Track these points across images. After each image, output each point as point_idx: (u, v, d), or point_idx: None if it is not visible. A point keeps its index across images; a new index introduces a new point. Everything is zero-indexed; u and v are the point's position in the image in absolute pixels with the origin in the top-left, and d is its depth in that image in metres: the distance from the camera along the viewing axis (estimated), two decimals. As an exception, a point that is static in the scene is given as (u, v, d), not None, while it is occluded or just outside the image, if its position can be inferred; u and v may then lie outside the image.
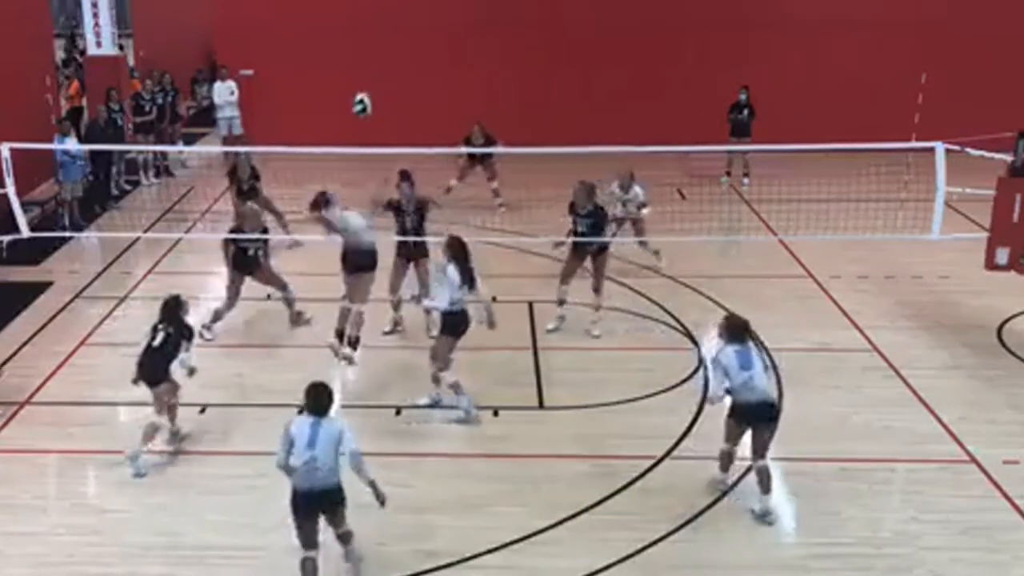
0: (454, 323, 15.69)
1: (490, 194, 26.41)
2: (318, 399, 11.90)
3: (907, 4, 31.05)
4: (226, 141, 31.00)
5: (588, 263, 19.07)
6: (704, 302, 20.24)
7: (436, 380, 15.99)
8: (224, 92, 31.12)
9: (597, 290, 18.97)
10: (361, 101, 20.13)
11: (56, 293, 20.99)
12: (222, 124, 31.41)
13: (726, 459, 14.06)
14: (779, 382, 17.02)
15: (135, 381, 14.66)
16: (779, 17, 31.24)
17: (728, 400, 13.81)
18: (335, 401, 12.49)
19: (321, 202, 17.44)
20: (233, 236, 18.69)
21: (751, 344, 13.85)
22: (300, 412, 12.21)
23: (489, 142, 25.79)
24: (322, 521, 12.02)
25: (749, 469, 14.10)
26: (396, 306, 18.93)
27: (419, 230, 18.51)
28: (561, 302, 19.12)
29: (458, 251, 15.69)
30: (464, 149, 25.51)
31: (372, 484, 12.01)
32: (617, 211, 21.25)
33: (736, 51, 31.04)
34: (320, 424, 11.79)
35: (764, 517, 13.56)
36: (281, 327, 19.02)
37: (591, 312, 19.05)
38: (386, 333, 18.94)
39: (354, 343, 17.43)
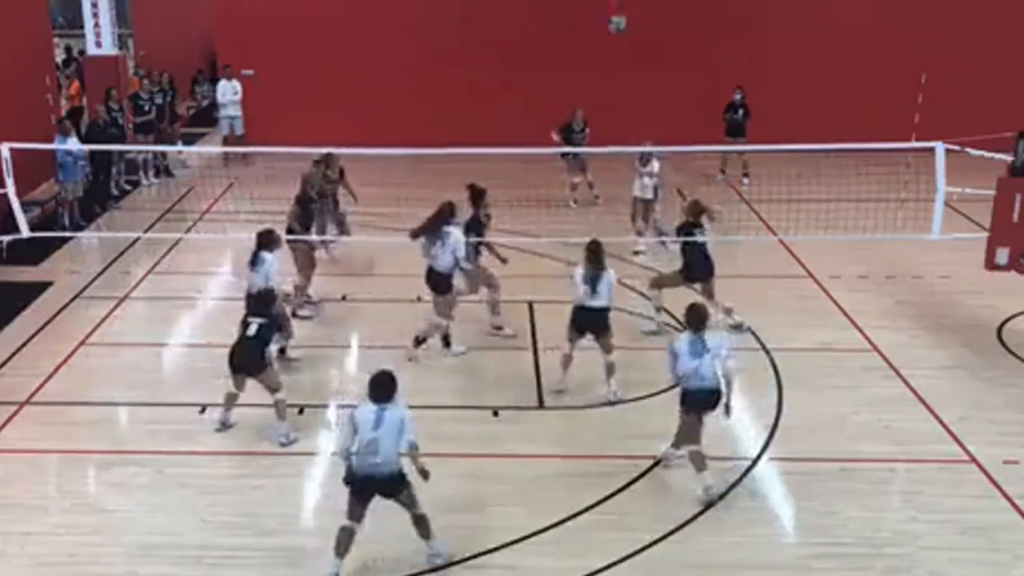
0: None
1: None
2: (380, 387, 12.31)
3: (907, 3, 31.05)
4: (227, 141, 30.99)
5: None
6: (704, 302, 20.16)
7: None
8: (228, 91, 31.13)
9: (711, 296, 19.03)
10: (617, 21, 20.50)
11: (56, 293, 20.99)
12: (224, 123, 31.44)
13: (700, 459, 13.99)
14: (778, 382, 17.08)
15: (234, 370, 15.25)
16: (779, 17, 31.27)
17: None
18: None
19: (447, 211, 17.59)
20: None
21: (706, 335, 14.02)
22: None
23: (586, 133, 26.55)
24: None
25: (748, 471, 14.15)
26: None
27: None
28: (659, 308, 19.32)
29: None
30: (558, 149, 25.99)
31: (422, 470, 12.33)
32: (636, 188, 22.48)
33: (735, 51, 31.02)
34: (384, 411, 12.17)
35: (707, 492, 13.82)
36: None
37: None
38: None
39: (420, 342, 17.77)
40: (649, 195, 22.52)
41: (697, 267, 18.68)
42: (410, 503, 12.45)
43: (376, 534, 12.82)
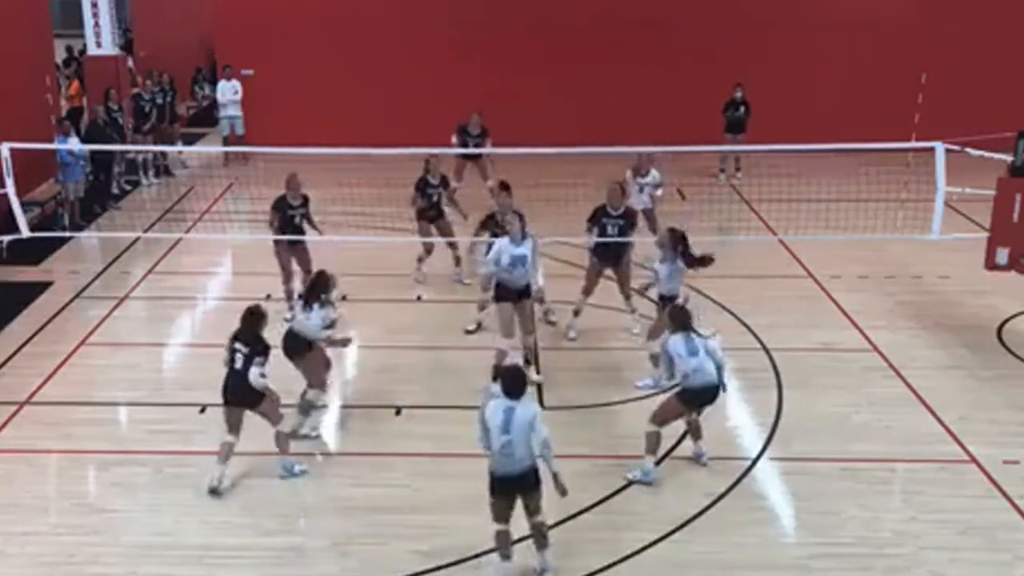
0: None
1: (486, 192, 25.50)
2: (514, 382, 12.04)
3: (906, 3, 31.05)
4: (228, 141, 30.98)
5: (610, 271, 19.09)
6: (704, 302, 20.15)
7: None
8: (228, 91, 31.10)
9: (628, 296, 19.02)
10: None
11: (56, 293, 20.98)
12: (224, 124, 31.41)
13: (655, 442, 14.25)
14: (778, 382, 17.08)
15: (227, 404, 14.01)
16: (778, 15, 31.24)
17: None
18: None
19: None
20: None
21: (694, 333, 14.17)
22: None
23: (484, 135, 25.89)
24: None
25: (748, 470, 14.20)
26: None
27: None
28: (577, 312, 19.09)
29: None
30: (455, 150, 25.52)
31: (555, 476, 12.12)
32: (633, 200, 21.26)
33: (734, 49, 31.03)
34: (514, 409, 11.93)
35: (645, 474, 14.18)
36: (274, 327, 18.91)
37: (627, 315, 19.21)
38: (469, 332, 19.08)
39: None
40: (648, 205, 22.22)
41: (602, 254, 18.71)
42: (536, 507, 12.32)
43: (376, 534, 12.83)
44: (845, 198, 23.12)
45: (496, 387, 12.14)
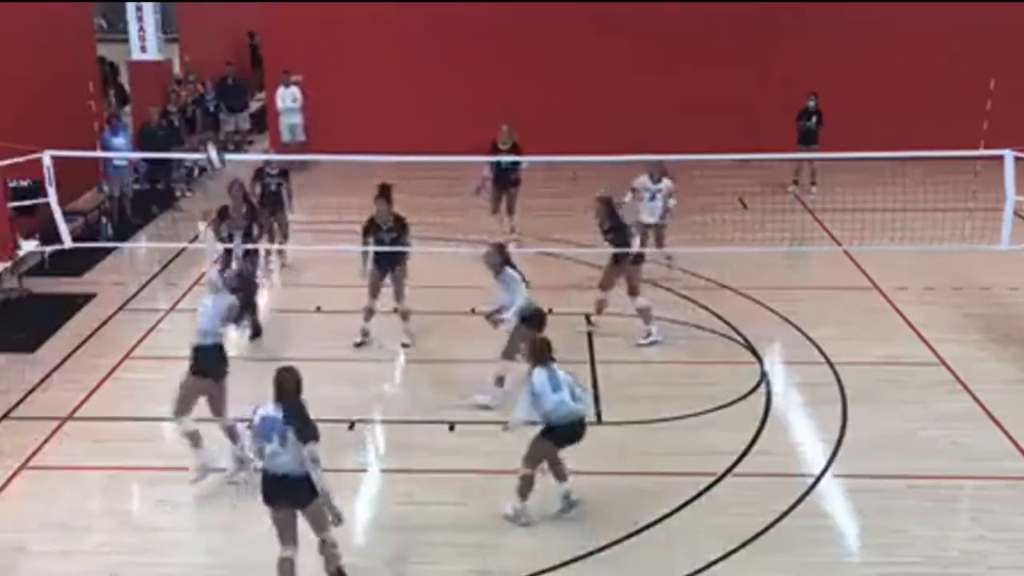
0: None
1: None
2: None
3: (976, 9, 30.60)
4: (287, 147, 30.91)
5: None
6: (767, 315, 19.94)
7: None
8: (287, 98, 31.09)
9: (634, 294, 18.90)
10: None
11: (99, 305, 20.85)
12: (284, 130, 31.33)
13: (528, 484, 13.58)
14: (843, 397, 16.77)
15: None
16: (846, 23, 30.88)
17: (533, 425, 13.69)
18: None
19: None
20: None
21: (555, 366, 13.60)
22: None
23: (516, 149, 24.06)
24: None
25: (812, 486, 13.97)
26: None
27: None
28: (599, 310, 19.27)
29: None
30: (487, 158, 23.71)
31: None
32: (643, 215, 21.12)
33: (803, 58, 30.68)
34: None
35: (567, 499, 13.85)
36: (326, 340, 18.73)
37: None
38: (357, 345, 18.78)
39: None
40: (660, 215, 21.52)
41: None
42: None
43: (430, 553, 12.66)
44: (911, 208, 22.72)
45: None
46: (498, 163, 23.57)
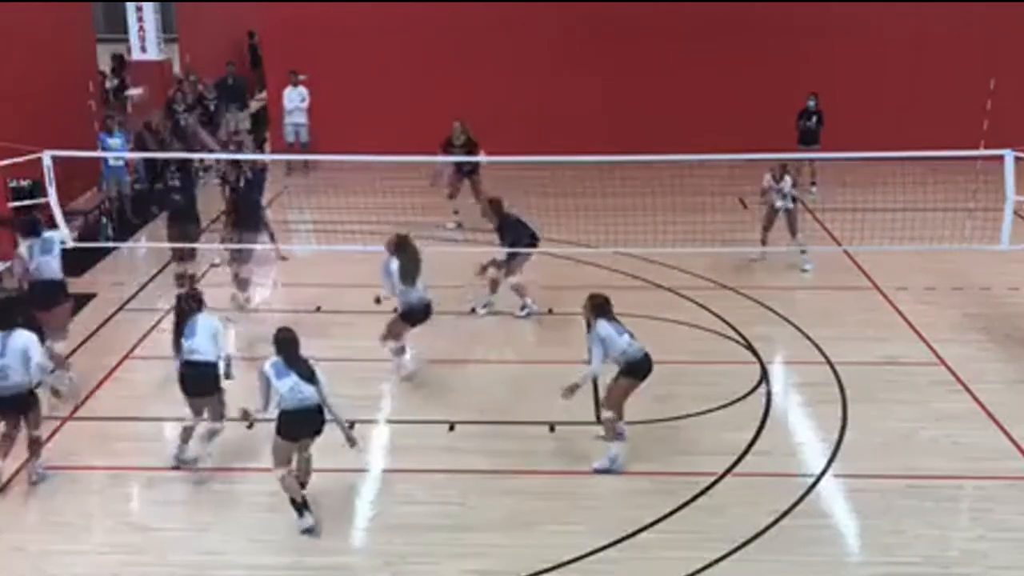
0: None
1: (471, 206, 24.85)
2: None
3: (975, 9, 30.56)
4: (292, 149, 30.87)
5: None
6: (768, 315, 19.93)
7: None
8: (295, 98, 31.02)
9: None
10: None
11: (100, 305, 20.81)
12: (288, 131, 31.27)
13: (613, 426, 14.64)
14: (843, 396, 16.79)
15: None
16: (846, 23, 30.82)
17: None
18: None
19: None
20: None
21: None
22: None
23: (471, 145, 24.84)
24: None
25: (812, 486, 13.96)
26: None
27: None
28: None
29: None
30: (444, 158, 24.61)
31: None
32: (778, 203, 22.21)
33: (803, 58, 30.62)
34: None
35: (613, 464, 14.60)
36: (326, 340, 18.66)
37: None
38: None
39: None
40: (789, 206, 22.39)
41: None
42: None
43: (427, 552, 12.67)
44: (911, 207, 22.74)
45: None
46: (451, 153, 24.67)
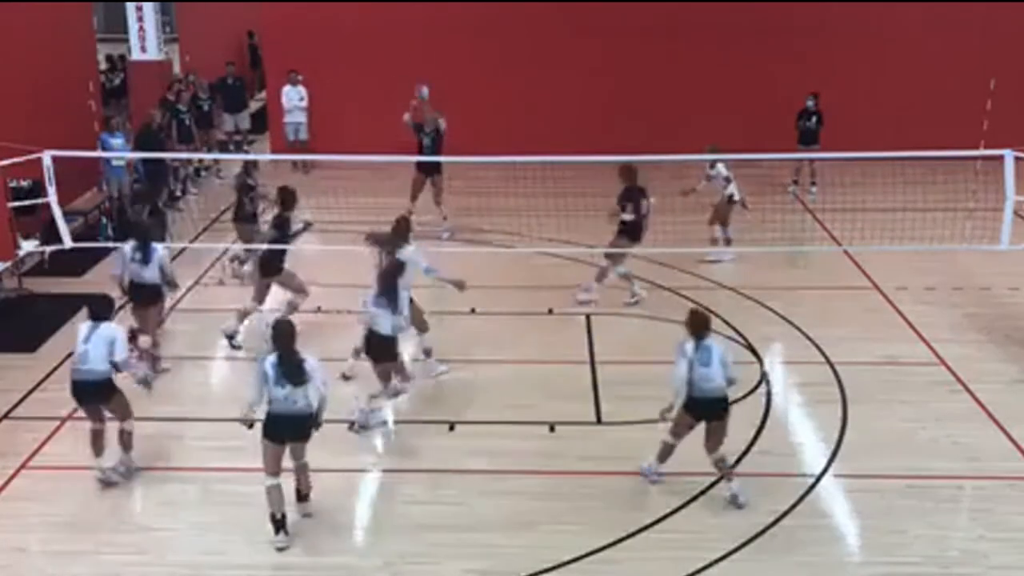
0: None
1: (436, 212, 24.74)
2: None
3: (976, 8, 30.54)
4: (291, 147, 30.86)
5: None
6: (767, 315, 19.92)
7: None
8: (294, 97, 30.98)
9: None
10: None
11: (100, 304, 20.68)
12: (289, 129, 31.23)
13: (667, 452, 14.27)
14: (843, 397, 16.76)
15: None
16: (846, 23, 30.79)
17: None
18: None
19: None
20: None
21: (711, 340, 13.85)
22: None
23: (438, 137, 24.54)
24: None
25: (812, 487, 14.00)
26: None
27: None
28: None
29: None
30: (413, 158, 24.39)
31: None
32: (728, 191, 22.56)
33: (803, 58, 30.58)
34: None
35: (735, 500, 13.84)
36: (328, 342, 18.67)
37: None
38: None
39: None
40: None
41: None
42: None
43: (427, 552, 12.68)
44: (912, 207, 22.73)
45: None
46: (420, 148, 24.43)
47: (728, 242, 22.66)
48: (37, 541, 13.34)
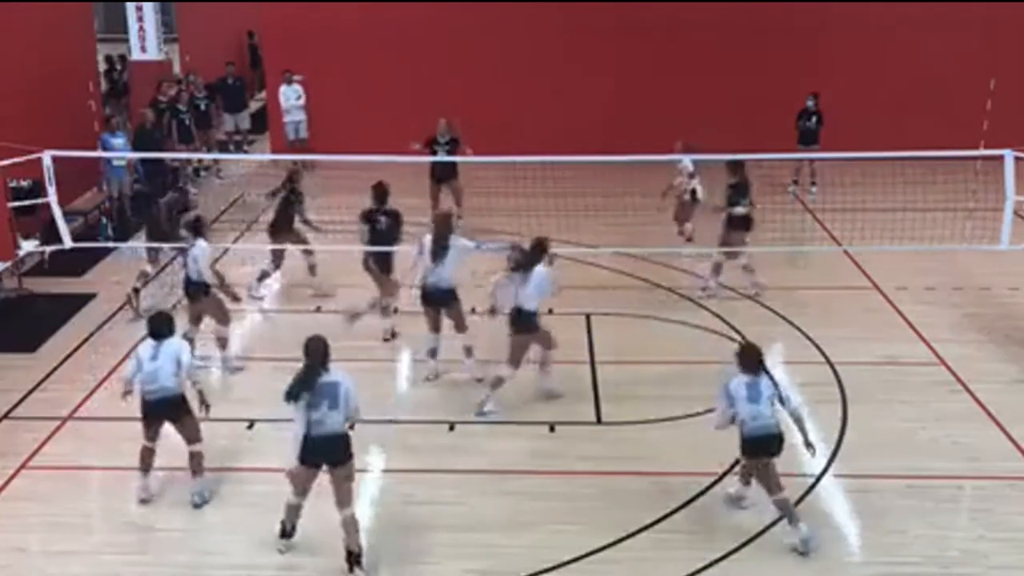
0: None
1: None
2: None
3: (976, 8, 30.53)
4: (292, 146, 30.88)
5: None
6: (768, 315, 19.93)
7: None
8: (291, 96, 31.00)
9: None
10: None
11: (99, 305, 20.73)
12: (289, 128, 31.24)
13: (785, 508, 13.29)
14: (843, 397, 16.77)
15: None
16: (846, 23, 30.79)
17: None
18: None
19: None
20: None
21: (763, 376, 13.28)
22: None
23: (455, 144, 24.82)
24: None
25: (812, 487, 14.09)
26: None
27: None
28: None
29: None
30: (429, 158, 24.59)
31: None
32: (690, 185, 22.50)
33: (803, 58, 30.59)
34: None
35: (806, 545, 13.04)
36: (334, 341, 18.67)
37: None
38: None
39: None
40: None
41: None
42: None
43: (426, 552, 12.67)
44: (912, 207, 22.72)
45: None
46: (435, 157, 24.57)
47: (690, 240, 22.62)
48: (37, 541, 13.35)
